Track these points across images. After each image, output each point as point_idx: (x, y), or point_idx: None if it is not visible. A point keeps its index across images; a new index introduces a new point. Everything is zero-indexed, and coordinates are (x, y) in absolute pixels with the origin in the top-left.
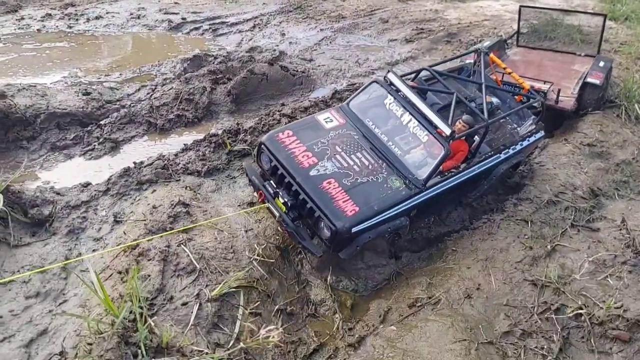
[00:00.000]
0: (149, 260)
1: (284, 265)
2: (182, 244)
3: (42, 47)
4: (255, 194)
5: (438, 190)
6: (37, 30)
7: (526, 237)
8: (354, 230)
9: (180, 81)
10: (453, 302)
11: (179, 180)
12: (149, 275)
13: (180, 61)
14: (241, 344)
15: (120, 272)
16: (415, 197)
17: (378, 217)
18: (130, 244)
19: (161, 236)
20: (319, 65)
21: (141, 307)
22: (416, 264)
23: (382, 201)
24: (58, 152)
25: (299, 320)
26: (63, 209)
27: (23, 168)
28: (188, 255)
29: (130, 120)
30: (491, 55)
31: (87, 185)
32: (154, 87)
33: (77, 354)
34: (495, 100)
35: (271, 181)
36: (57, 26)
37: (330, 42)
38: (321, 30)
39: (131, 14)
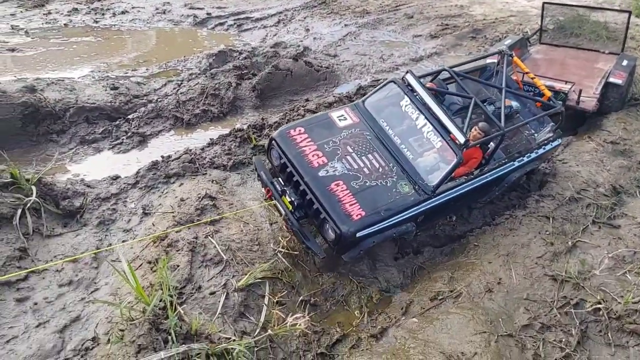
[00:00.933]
0: (177, 251)
1: (307, 258)
2: (209, 235)
3: (69, 41)
4: (262, 189)
5: (447, 197)
6: (64, 24)
7: (547, 233)
8: (358, 235)
9: (206, 76)
10: (474, 295)
11: (205, 174)
12: (178, 266)
13: (205, 56)
14: (269, 331)
15: (149, 262)
16: (424, 204)
17: (384, 222)
18: (159, 234)
19: (189, 227)
20: (343, 61)
21: (171, 296)
22: (438, 258)
23: (390, 207)
24: (87, 145)
25: (322, 311)
26: (93, 201)
27: (54, 161)
28: (215, 247)
29: (157, 115)
30: (515, 57)
31: (116, 178)
32: (180, 82)
33: (109, 339)
34: (514, 104)
35: (279, 178)
36: (83, 21)
37: (355, 38)
38: (345, 25)
39: (157, 8)
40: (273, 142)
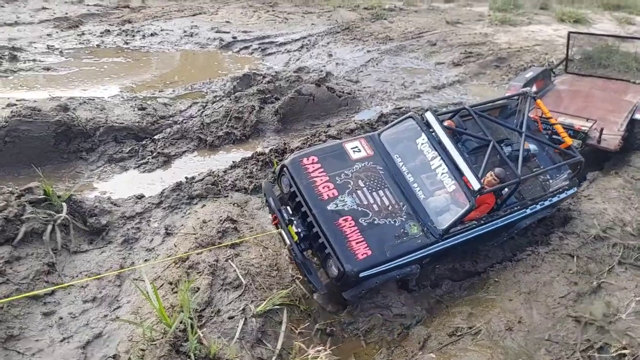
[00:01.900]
0: (198, 273)
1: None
2: (230, 259)
3: (100, 61)
4: (269, 216)
5: (455, 241)
6: (97, 45)
7: (571, 272)
8: (362, 275)
9: (230, 99)
10: (493, 333)
11: (227, 196)
12: (198, 288)
13: (230, 79)
14: None
15: (170, 283)
16: (431, 247)
17: (389, 264)
18: (181, 256)
19: (210, 250)
20: (364, 87)
21: (191, 318)
22: (457, 292)
23: (396, 248)
24: (114, 164)
25: (337, 338)
26: (119, 219)
27: (85, 179)
28: (235, 271)
29: (182, 136)
30: (538, 101)
31: (141, 197)
32: (204, 104)
33: (130, 358)
34: (532, 147)
35: (288, 207)
36: (114, 42)
37: (377, 64)
38: (368, 51)
39: (184, 31)
40: (284, 169)
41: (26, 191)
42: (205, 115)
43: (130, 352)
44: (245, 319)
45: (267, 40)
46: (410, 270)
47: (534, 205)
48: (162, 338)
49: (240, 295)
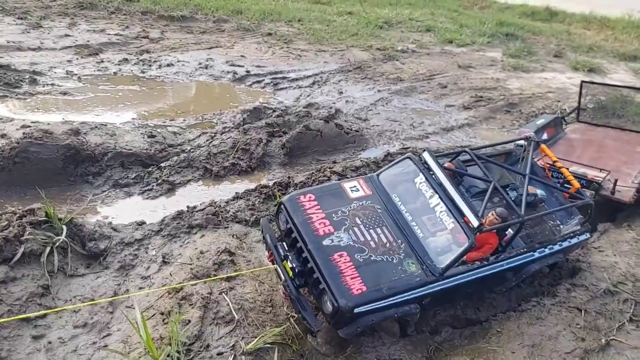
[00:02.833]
0: (190, 305)
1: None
2: (224, 292)
3: (116, 88)
4: (266, 252)
5: (456, 282)
6: (114, 73)
7: (578, 326)
8: (356, 310)
9: (239, 131)
10: None
11: (227, 227)
12: (189, 321)
13: (240, 112)
14: None
15: (162, 313)
16: (430, 286)
17: (385, 300)
18: (175, 286)
19: (205, 282)
20: (373, 125)
21: (179, 352)
22: (457, 341)
23: (393, 285)
24: (119, 189)
25: None
26: (117, 245)
27: (87, 203)
28: (228, 305)
29: (188, 165)
30: (542, 145)
31: (141, 223)
32: (213, 134)
33: None
34: (539, 192)
35: (284, 243)
36: (131, 70)
37: (387, 104)
38: (378, 91)
39: (200, 63)
40: (282, 206)
41: (28, 212)
42: (213, 146)
43: None
44: (235, 356)
45: (279, 76)
46: (409, 310)
47: (543, 249)
48: None
49: (231, 331)
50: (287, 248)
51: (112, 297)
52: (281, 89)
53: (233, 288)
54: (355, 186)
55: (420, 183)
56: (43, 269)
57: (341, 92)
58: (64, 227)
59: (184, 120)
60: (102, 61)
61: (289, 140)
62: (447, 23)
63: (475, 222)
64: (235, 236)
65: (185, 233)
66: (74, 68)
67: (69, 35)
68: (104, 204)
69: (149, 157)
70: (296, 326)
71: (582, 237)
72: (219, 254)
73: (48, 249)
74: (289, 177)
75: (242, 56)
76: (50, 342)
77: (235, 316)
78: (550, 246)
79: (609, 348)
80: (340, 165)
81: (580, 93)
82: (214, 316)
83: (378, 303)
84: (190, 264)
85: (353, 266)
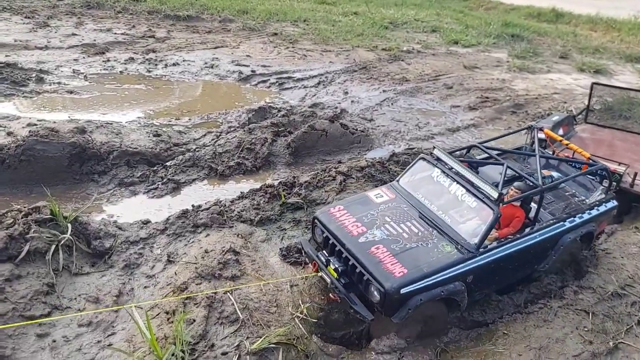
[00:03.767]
0: (195, 304)
1: (324, 329)
2: (229, 292)
3: (122, 87)
4: (310, 265)
5: (495, 257)
6: (120, 72)
7: (586, 329)
8: (402, 291)
9: (244, 130)
10: None
11: (232, 226)
12: (194, 320)
13: (245, 111)
14: None
15: (167, 313)
16: (468, 262)
17: (428, 279)
18: (181, 294)
19: (210, 281)
20: (378, 126)
21: (183, 352)
22: (463, 342)
23: (432, 264)
24: (124, 187)
25: None
26: (122, 244)
27: (92, 201)
28: (233, 304)
29: (194, 164)
30: (545, 129)
31: (146, 222)
32: (219, 134)
33: None
34: (555, 174)
35: (324, 251)
36: (137, 69)
37: (392, 104)
38: (384, 91)
39: (206, 63)
40: (316, 220)
41: (33, 210)
42: (218, 145)
43: None
44: (239, 355)
45: (285, 75)
46: (455, 288)
47: (573, 219)
48: None
49: (236, 331)
50: (327, 254)
51: (116, 295)
52: (286, 88)
53: (238, 288)
54: (379, 193)
55: (438, 176)
56: (48, 267)
57: (346, 92)
58: (69, 226)
59: (190, 119)
60: (109, 60)
61: (294, 140)
62: (452, 24)
63: (494, 194)
64: (240, 235)
65: (190, 232)
66: (80, 67)
67: (76, 35)
68: (109, 202)
69: (155, 155)
70: (301, 326)
71: (610, 205)
72: (223, 253)
73: (53, 247)
74: (294, 177)
75: (247, 56)
76: (54, 341)
77: (240, 316)
78: (580, 215)
79: (617, 351)
80: (346, 165)
81: (591, 94)
82: (219, 315)
83: (422, 282)
84: (195, 263)
85: (391, 255)
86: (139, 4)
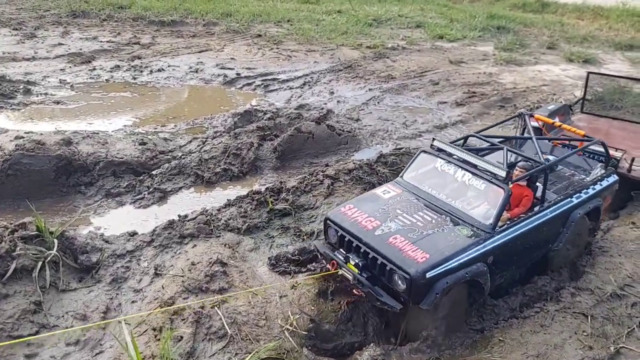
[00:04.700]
0: (182, 320)
1: (315, 341)
2: (216, 306)
3: (108, 96)
4: (328, 265)
5: (511, 235)
6: (106, 80)
7: (585, 334)
8: (428, 275)
9: (230, 135)
10: None
11: (219, 236)
12: (182, 337)
13: (231, 115)
14: None
15: (154, 329)
16: (487, 242)
17: (451, 261)
18: (169, 308)
19: (197, 295)
20: (365, 125)
21: None
22: (458, 350)
23: (453, 247)
24: (111, 199)
25: None
26: (109, 257)
27: (79, 214)
28: (221, 319)
29: (180, 172)
30: (536, 115)
31: (133, 234)
32: (204, 139)
33: None
34: (552, 158)
35: (341, 249)
36: (123, 77)
37: (378, 102)
38: (370, 90)
39: (190, 67)
40: (328, 221)
41: (20, 226)
42: (204, 151)
43: None
44: None
45: (270, 77)
46: (478, 269)
47: (579, 195)
48: None
49: (224, 347)
50: (344, 252)
51: (104, 312)
52: (272, 90)
53: (226, 301)
54: (385, 190)
55: (442, 166)
56: (35, 284)
57: (332, 92)
58: (55, 241)
59: (175, 125)
60: (95, 69)
61: (280, 143)
62: (437, 18)
63: (502, 173)
64: (227, 245)
65: (177, 243)
66: (67, 77)
67: (62, 44)
68: (96, 214)
69: (140, 164)
70: (291, 339)
71: (611, 179)
72: (210, 265)
73: (40, 264)
74: (281, 182)
75: (232, 59)
76: None
77: (229, 331)
78: (585, 191)
79: (618, 356)
80: (333, 168)
81: (587, 84)
82: (207, 331)
83: (445, 265)
84: (182, 277)
85: (410, 243)
86: (123, 11)
